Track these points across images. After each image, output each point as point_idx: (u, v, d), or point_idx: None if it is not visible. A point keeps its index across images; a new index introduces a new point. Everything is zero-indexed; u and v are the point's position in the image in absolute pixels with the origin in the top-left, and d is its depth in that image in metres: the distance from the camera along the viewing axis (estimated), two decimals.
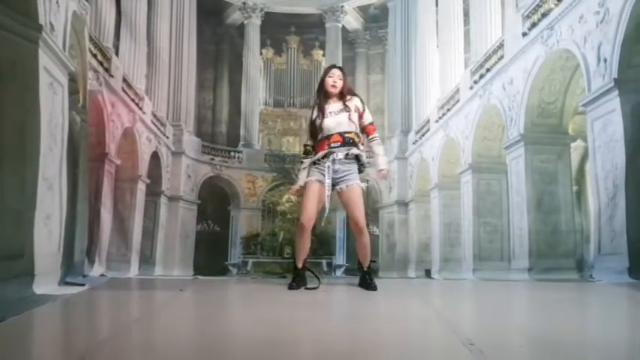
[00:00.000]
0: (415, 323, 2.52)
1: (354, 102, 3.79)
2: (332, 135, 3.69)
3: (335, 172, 3.67)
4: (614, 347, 1.95)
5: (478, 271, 11.11)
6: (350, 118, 3.71)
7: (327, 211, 3.75)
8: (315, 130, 3.77)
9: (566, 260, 9.11)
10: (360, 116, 3.80)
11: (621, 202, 6.57)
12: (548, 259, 9.13)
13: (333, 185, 3.69)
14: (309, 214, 3.69)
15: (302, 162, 3.85)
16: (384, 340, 2.10)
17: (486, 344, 1.87)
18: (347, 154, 3.67)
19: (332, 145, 3.68)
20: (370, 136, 3.88)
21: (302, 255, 3.78)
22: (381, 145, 3.97)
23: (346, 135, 3.69)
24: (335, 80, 3.78)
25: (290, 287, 3.68)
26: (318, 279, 3.83)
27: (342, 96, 3.81)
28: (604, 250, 6.91)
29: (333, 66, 3.99)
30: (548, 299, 3.86)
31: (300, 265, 3.77)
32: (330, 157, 3.66)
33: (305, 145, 3.88)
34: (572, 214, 9.47)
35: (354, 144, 3.69)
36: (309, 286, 3.74)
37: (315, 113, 3.79)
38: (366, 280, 3.81)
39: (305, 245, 3.78)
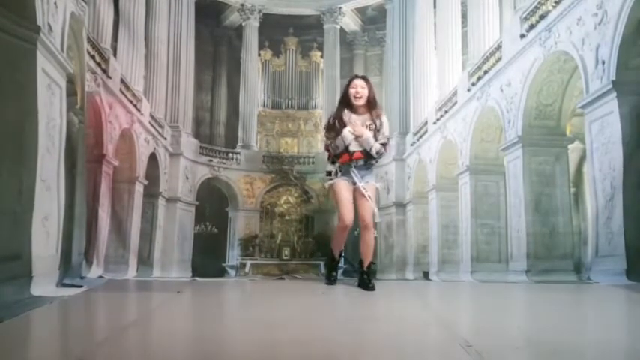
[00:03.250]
0: (413, 325, 2.53)
1: (380, 120, 3.90)
2: (356, 152, 3.87)
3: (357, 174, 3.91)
4: (611, 349, 1.95)
5: (476, 272, 11.11)
6: (374, 136, 3.86)
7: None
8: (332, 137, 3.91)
9: (563, 262, 9.10)
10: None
11: (619, 204, 6.57)
12: (545, 260, 9.13)
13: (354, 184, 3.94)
14: (350, 213, 3.88)
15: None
16: (381, 341, 2.10)
17: (484, 346, 1.87)
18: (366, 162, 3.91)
19: (359, 162, 3.88)
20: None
21: (338, 249, 4.17)
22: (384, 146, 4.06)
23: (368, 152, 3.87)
24: (357, 91, 3.84)
25: (329, 283, 4.09)
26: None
27: (369, 107, 3.90)
28: (601, 251, 6.91)
29: (356, 76, 4.05)
30: (546, 301, 3.87)
31: (337, 257, 4.14)
32: (355, 171, 3.88)
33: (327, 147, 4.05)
34: (569, 216, 9.47)
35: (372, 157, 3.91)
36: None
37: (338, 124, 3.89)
38: (364, 280, 3.84)
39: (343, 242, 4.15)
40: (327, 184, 4.03)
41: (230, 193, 18.77)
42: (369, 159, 3.87)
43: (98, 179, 10.21)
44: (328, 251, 4.24)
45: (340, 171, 3.88)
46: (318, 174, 19.11)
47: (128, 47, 13.13)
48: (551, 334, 2.21)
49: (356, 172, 3.86)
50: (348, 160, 3.85)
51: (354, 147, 3.84)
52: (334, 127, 3.86)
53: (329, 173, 3.98)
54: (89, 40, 8.72)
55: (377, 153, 3.85)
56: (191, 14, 17.40)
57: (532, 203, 9.41)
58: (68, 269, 5.53)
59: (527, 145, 9.61)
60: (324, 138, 4.05)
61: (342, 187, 3.85)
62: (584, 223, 10.92)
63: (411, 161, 16.21)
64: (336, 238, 4.13)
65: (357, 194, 3.89)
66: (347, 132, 3.78)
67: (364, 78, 4.00)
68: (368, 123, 3.83)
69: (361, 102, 3.83)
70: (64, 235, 5.13)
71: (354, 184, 3.87)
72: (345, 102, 3.90)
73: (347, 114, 3.86)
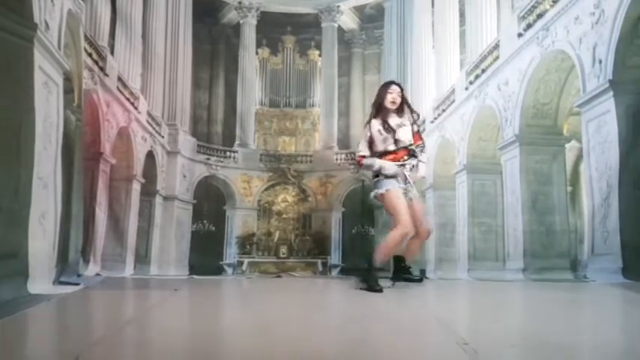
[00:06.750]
0: (409, 323, 2.53)
1: (410, 115, 4.13)
2: (400, 149, 4.02)
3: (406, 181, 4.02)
4: (607, 348, 1.96)
5: (473, 271, 11.14)
6: (411, 131, 4.10)
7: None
8: (372, 141, 4.04)
9: (560, 260, 9.13)
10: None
11: (615, 203, 6.60)
12: (542, 259, 9.16)
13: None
14: (410, 218, 3.92)
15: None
16: (378, 340, 2.11)
17: (480, 344, 1.88)
18: (412, 167, 4.04)
19: (405, 157, 4.02)
20: (416, 144, 4.18)
21: (389, 257, 4.10)
22: (425, 152, 4.26)
23: (410, 147, 4.06)
24: (395, 97, 4.05)
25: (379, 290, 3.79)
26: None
27: (398, 110, 4.08)
28: (598, 250, 6.94)
29: (392, 82, 4.28)
30: (543, 299, 3.88)
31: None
32: (407, 168, 4.01)
33: (363, 157, 4.09)
34: (566, 215, 9.50)
35: (415, 155, 4.08)
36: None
37: (378, 126, 4.01)
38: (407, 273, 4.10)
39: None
40: (378, 192, 3.98)
41: (227, 192, 18.77)
42: (412, 157, 4.03)
43: (95, 177, 10.21)
44: (369, 260, 4.05)
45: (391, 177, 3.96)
46: (315, 172, 19.15)
47: (125, 45, 13.10)
48: (547, 332, 2.22)
49: (408, 174, 3.97)
50: (400, 158, 4.00)
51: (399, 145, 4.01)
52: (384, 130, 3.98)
53: (376, 175, 4.02)
54: (86, 38, 8.71)
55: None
56: (189, 12, 17.36)
57: (529, 202, 9.44)
58: (65, 267, 5.53)
59: (525, 144, 9.63)
60: (368, 135, 4.05)
61: (398, 193, 3.92)
62: (580, 222, 10.96)
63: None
64: (392, 246, 3.96)
65: (411, 206, 3.97)
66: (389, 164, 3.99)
67: (400, 85, 4.20)
68: (401, 122, 4.03)
69: (394, 107, 4.05)
70: (60, 233, 5.12)
71: (405, 187, 3.96)
72: (380, 105, 4.08)
73: (390, 118, 4.03)
